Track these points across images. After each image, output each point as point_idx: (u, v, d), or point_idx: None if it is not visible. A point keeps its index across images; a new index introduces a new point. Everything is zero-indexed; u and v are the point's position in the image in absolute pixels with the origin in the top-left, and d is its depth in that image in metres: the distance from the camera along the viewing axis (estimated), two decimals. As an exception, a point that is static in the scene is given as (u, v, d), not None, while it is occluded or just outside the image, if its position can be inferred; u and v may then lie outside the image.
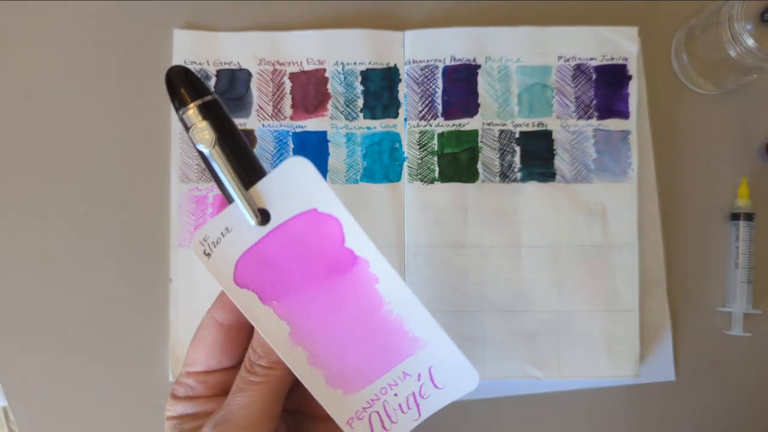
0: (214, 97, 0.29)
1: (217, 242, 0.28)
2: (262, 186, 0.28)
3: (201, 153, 0.28)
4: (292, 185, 0.28)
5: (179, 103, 0.28)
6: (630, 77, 0.49)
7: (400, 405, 0.30)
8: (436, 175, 0.49)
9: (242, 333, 0.31)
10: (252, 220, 0.28)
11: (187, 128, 0.28)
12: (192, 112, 0.28)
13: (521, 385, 0.49)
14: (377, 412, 0.30)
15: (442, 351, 0.30)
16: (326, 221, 0.29)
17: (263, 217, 0.28)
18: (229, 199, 0.28)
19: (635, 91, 0.49)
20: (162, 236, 0.49)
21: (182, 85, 0.28)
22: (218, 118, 0.28)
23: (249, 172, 0.28)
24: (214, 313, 0.31)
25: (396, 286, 0.29)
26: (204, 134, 0.27)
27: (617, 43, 0.49)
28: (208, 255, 0.28)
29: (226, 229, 0.28)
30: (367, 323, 0.29)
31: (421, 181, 0.49)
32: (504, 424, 0.49)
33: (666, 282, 0.49)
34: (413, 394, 0.30)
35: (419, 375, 0.30)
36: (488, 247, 0.48)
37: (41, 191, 0.49)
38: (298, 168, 0.28)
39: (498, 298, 0.48)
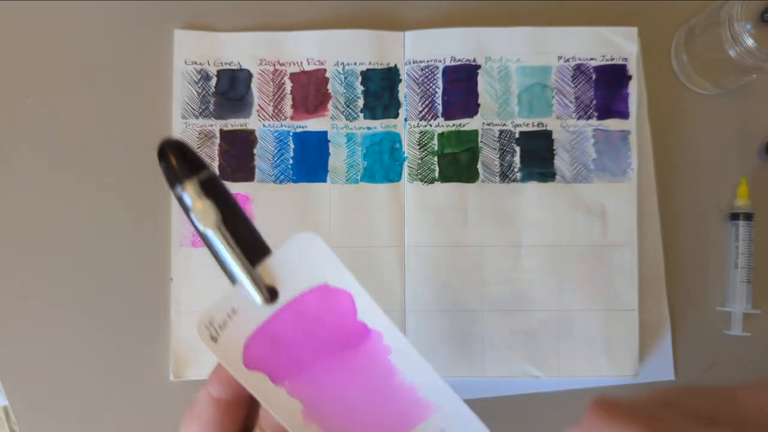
0: (213, 172, 0.26)
1: (224, 325, 0.27)
2: (269, 263, 0.27)
3: (202, 234, 0.26)
4: (301, 260, 0.28)
5: (175, 180, 0.25)
6: (630, 77, 0.49)
7: None
8: (436, 175, 0.49)
9: (241, 407, 0.28)
10: (260, 300, 0.27)
11: (186, 209, 0.25)
12: (191, 190, 0.25)
13: (521, 384, 0.49)
14: None
15: (454, 412, 0.29)
16: (337, 295, 0.28)
17: (271, 294, 0.27)
18: (232, 280, 0.27)
19: (635, 92, 0.49)
20: (163, 236, 0.49)
21: (178, 159, 0.25)
22: (219, 195, 0.26)
23: (254, 248, 0.27)
24: (210, 388, 0.28)
25: (409, 355, 0.28)
26: (208, 215, 0.25)
27: (617, 43, 0.49)
28: (215, 339, 0.27)
29: (233, 310, 0.27)
30: (381, 393, 0.28)
31: (421, 181, 0.49)
32: (503, 423, 0.49)
33: (665, 282, 0.49)
34: None
35: None
36: (488, 246, 0.48)
37: (41, 191, 0.50)
38: (307, 243, 0.28)
39: (498, 297, 0.48)
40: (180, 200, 0.26)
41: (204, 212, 0.25)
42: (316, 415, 0.27)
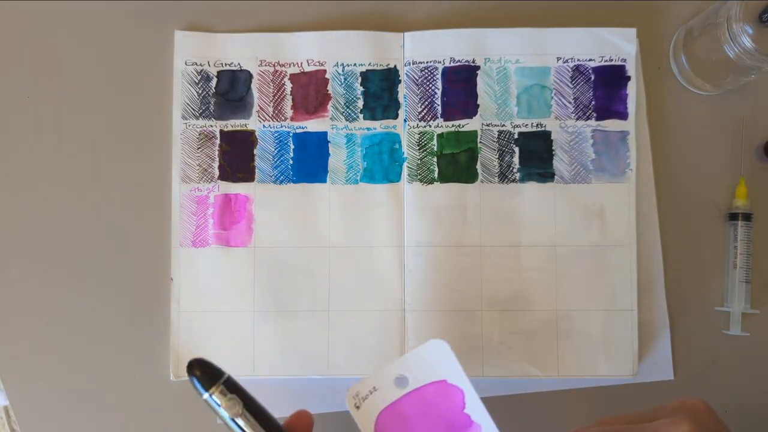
0: (229, 375, 0.34)
1: (365, 397, 0.36)
2: (405, 357, 0.37)
3: (232, 422, 0.33)
4: (431, 359, 0.36)
5: (206, 387, 0.33)
6: (628, 78, 0.49)
7: None
8: (436, 175, 0.49)
9: None
10: None
11: (215, 407, 0.33)
12: (218, 392, 0.33)
13: (520, 383, 0.49)
14: None
15: None
16: (453, 391, 0.37)
17: (401, 381, 0.36)
18: None
19: (634, 92, 0.49)
20: (163, 236, 0.49)
21: (204, 372, 0.34)
22: (238, 390, 0.34)
23: (270, 423, 0.34)
24: None
25: None
26: (234, 406, 0.33)
27: (616, 44, 0.49)
28: (358, 407, 0.36)
29: (374, 388, 0.36)
30: None
31: (421, 181, 0.49)
32: (503, 422, 0.49)
33: (664, 282, 0.49)
34: None
35: None
36: (487, 247, 0.49)
37: (42, 191, 0.50)
38: (438, 347, 0.36)
39: (497, 297, 0.48)
40: (209, 402, 0.34)
41: (231, 406, 0.33)
42: None
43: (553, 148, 0.49)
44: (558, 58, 0.50)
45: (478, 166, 0.49)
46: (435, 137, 0.49)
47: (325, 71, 0.50)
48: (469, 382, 0.36)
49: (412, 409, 0.36)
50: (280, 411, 0.49)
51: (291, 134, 0.50)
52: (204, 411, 0.48)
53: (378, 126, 0.50)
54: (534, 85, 0.50)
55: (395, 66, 0.50)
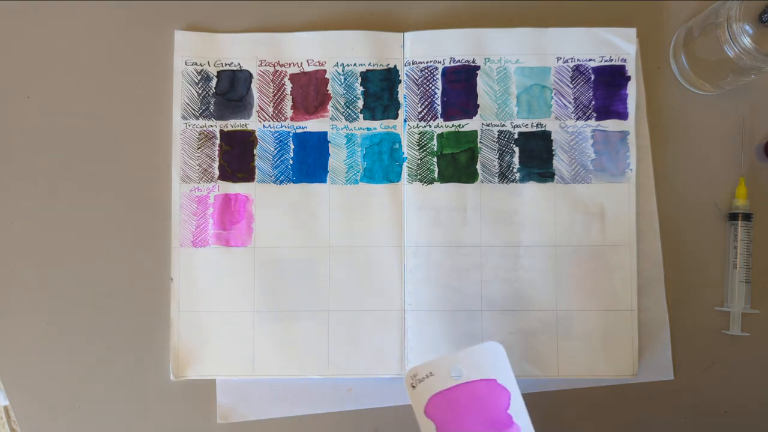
0: None
1: (422, 380, 0.40)
2: (464, 352, 0.40)
3: None
4: (486, 358, 0.40)
5: None
6: (628, 78, 0.49)
7: None
8: (436, 175, 0.49)
9: None
10: None
11: None
12: None
13: (520, 383, 0.48)
14: None
15: None
16: (500, 390, 0.40)
17: (456, 372, 0.40)
18: None
19: (634, 92, 0.49)
20: (163, 236, 0.49)
21: None
22: None
23: None
24: None
25: None
26: None
27: (616, 44, 0.49)
28: (414, 387, 0.39)
29: (431, 373, 0.40)
30: None
31: (421, 181, 0.49)
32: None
33: (664, 282, 0.49)
34: None
35: None
36: (487, 247, 0.49)
37: (42, 191, 0.50)
38: (493, 348, 0.40)
39: (497, 297, 0.48)
40: None
41: None
42: None
43: (553, 148, 0.49)
44: (558, 58, 0.50)
45: (478, 166, 0.49)
46: (435, 137, 0.49)
47: (325, 71, 0.50)
48: (517, 387, 0.40)
49: (462, 399, 0.40)
50: (280, 411, 0.50)
51: (291, 134, 0.50)
52: (204, 411, 0.48)
53: (378, 126, 0.50)
54: (534, 85, 0.50)
55: (395, 66, 0.50)
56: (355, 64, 0.50)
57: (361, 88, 0.50)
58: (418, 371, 0.39)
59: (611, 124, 0.49)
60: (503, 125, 0.50)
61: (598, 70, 0.49)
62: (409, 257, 0.49)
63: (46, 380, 0.49)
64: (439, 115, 0.50)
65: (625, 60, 0.49)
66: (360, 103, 0.50)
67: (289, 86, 0.50)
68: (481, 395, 0.40)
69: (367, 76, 0.50)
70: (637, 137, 0.49)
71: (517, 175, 0.49)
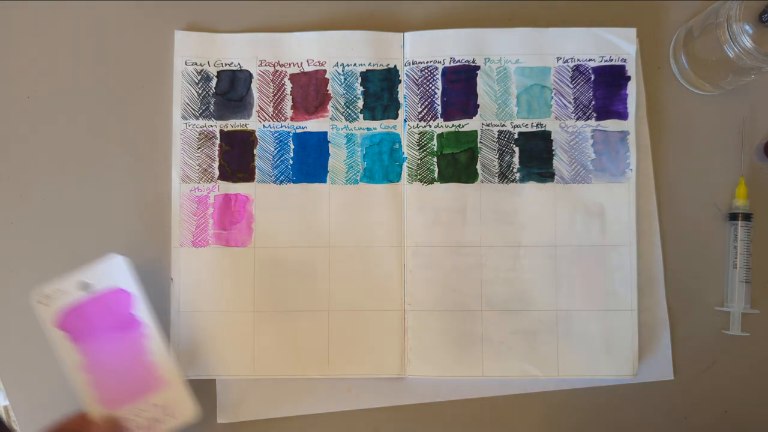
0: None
1: (51, 297, 0.45)
2: (89, 268, 0.45)
3: None
4: (111, 271, 0.45)
5: None
6: (628, 78, 0.49)
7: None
8: (436, 175, 0.49)
9: None
10: None
11: None
12: None
13: (520, 383, 0.49)
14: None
15: (174, 392, 0.45)
16: (125, 296, 0.45)
17: (86, 286, 0.45)
18: None
19: (634, 92, 0.49)
20: (163, 236, 0.49)
21: None
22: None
23: None
24: None
25: (158, 343, 0.45)
26: None
27: (616, 44, 0.49)
28: (43, 303, 0.44)
29: (59, 290, 0.45)
30: (134, 364, 0.45)
31: (421, 181, 0.49)
32: (503, 422, 0.49)
33: (664, 282, 0.49)
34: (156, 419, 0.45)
35: (163, 407, 0.45)
36: (487, 247, 0.49)
37: (42, 191, 0.50)
38: (116, 260, 0.45)
39: (497, 297, 0.48)
40: None
41: None
42: (90, 369, 0.45)
43: (553, 148, 0.49)
44: (558, 58, 0.50)
45: (478, 166, 0.49)
46: (435, 137, 0.49)
47: (325, 71, 0.50)
48: (140, 292, 0.45)
49: (93, 309, 0.45)
50: (280, 411, 0.50)
51: (291, 134, 0.50)
52: (204, 411, 0.48)
53: (378, 126, 0.50)
54: (534, 85, 0.50)
55: (395, 66, 0.50)
56: (355, 64, 0.50)
57: (361, 88, 0.50)
58: (46, 289, 0.44)
59: (611, 124, 0.49)
60: (503, 125, 0.50)
61: (598, 70, 0.49)
62: (409, 257, 0.49)
63: (46, 380, 0.49)
64: (439, 115, 0.50)
65: (625, 60, 0.49)
66: (360, 103, 0.50)
67: (289, 86, 0.50)
68: (109, 303, 0.45)
69: (367, 76, 0.50)
70: (637, 137, 0.49)
71: (517, 175, 0.49)
